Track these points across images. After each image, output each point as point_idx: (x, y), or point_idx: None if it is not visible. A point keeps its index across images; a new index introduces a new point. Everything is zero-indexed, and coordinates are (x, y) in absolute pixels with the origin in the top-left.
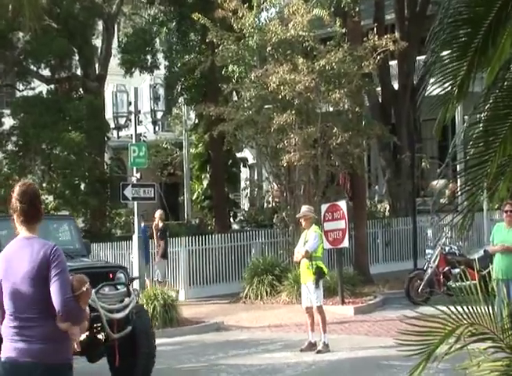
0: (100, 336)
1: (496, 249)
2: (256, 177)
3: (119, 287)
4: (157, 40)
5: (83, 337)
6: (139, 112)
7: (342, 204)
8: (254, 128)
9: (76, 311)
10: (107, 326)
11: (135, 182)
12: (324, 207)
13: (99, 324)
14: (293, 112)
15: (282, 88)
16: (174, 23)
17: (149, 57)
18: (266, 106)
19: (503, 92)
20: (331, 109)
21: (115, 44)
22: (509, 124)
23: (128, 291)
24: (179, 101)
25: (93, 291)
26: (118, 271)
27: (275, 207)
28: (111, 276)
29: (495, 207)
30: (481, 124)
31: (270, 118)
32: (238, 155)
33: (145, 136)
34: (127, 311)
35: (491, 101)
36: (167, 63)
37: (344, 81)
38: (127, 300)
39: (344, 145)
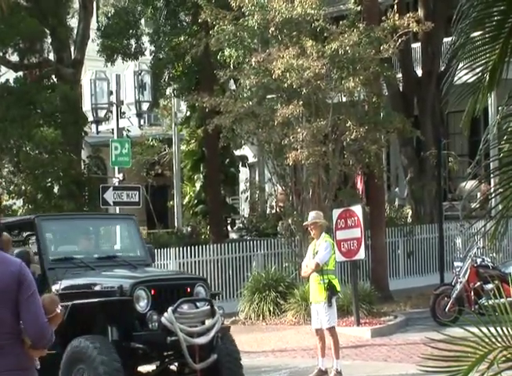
0: (174, 367)
1: None
2: (257, 178)
3: (198, 304)
4: (142, 21)
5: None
6: (122, 103)
7: (357, 210)
8: (254, 121)
9: (50, 336)
10: (188, 354)
11: (116, 184)
12: (336, 212)
13: (171, 352)
14: (301, 103)
15: (287, 75)
16: (161, 2)
17: (132, 42)
18: (269, 96)
19: None
20: (344, 99)
21: (94, 25)
22: None
23: (211, 309)
24: (168, 91)
25: (170, 309)
26: (197, 284)
27: (279, 212)
28: (189, 290)
29: None
30: None
31: (273, 110)
32: (236, 153)
33: (128, 131)
34: (211, 335)
35: None
36: (153, 48)
37: (360, 68)
38: (210, 321)
39: (359, 141)
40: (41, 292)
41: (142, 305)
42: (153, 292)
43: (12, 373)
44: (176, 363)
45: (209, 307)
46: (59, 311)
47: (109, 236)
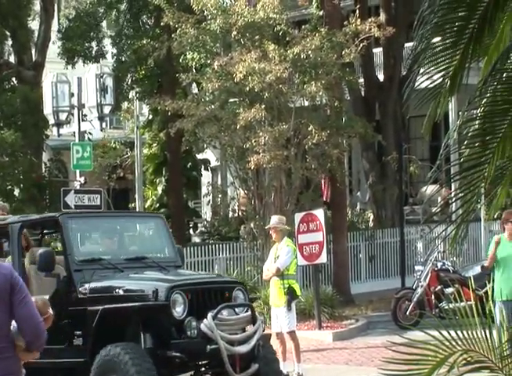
0: None
1: (490, 260)
2: (220, 182)
3: (237, 309)
4: (104, 23)
5: None
6: (83, 106)
7: (319, 214)
8: (217, 125)
9: (44, 337)
10: (229, 363)
11: (78, 187)
12: (298, 216)
13: (207, 361)
14: (263, 107)
15: (249, 78)
16: (124, 4)
17: (94, 44)
18: (231, 100)
19: (502, 84)
20: (306, 103)
21: (55, 27)
22: (508, 121)
23: (252, 315)
24: (130, 94)
25: (210, 315)
26: (236, 288)
27: (241, 216)
28: (227, 294)
29: (494, 216)
30: (477, 121)
31: (236, 114)
32: (199, 156)
33: (90, 134)
34: (252, 343)
35: (488, 95)
36: (115, 51)
37: (322, 72)
38: (251, 328)
39: (321, 145)
40: (66, 295)
41: (178, 310)
42: (189, 297)
43: None
44: (211, 372)
45: (249, 313)
46: (51, 312)
47: (137, 235)
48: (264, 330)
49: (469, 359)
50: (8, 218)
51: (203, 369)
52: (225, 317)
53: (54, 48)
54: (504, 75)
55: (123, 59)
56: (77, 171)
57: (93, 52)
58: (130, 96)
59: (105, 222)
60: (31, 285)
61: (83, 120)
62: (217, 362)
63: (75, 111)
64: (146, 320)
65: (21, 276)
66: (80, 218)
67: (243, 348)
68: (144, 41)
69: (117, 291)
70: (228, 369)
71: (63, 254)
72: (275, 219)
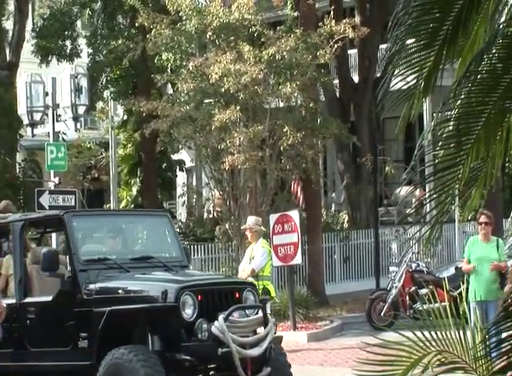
0: None
1: (469, 268)
2: (195, 182)
3: (247, 311)
4: (79, 23)
5: None
6: (58, 106)
7: (294, 215)
8: (192, 125)
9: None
10: (241, 367)
11: (52, 187)
12: (273, 217)
13: (215, 364)
14: (238, 108)
15: (225, 79)
16: (98, 4)
17: (68, 43)
18: (206, 101)
19: (476, 86)
20: (281, 104)
21: (29, 27)
22: (483, 123)
23: (264, 317)
24: (105, 94)
25: (221, 317)
26: (246, 289)
27: (216, 217)
28: (237, 295)
29: (468, 217)
30: (451, 123)
31: (211, 115)
32: (173, 157)
33: (64, 134)
34: (264, 346)
35: (462, 96)
36: (90, 51)
37: (297, 73)
38: (263, 330)
39: (296, 146)
40: (71, 296)
41: (188, 312)
42: (199, 298)
43: None
44: None
45: (261, 315)
46: (4, 305)
47: (143, 234)
48: (275, 333)
49: (443, 360)
50: (8, 216)
51: (212, 372)
52: (236, 319)
53: (28, 47)
54: (478, 77)
55: (98, 59)
56: (52, 172)
57: (67, 51)
58: (104, 96)
59: (110, 221)
60: (33, 285)
61: (57, 120)
62: (228, 365)
63: (49, 111)
64: (154, 322)
65: (23, 276)
66: (84, 216)
67: (254, 352)
68: (119, 41)
69: (124, 291)
70: (240, 373)
71: (68, 254)
72: (251, 220)
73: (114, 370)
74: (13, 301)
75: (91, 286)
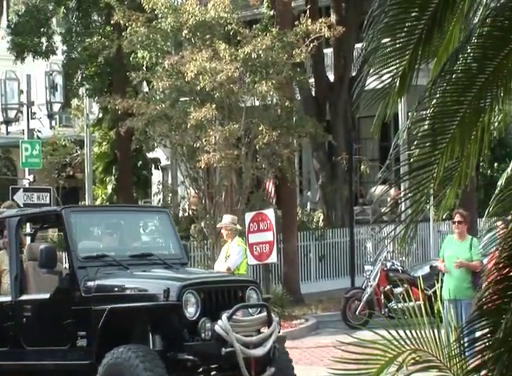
0: None
1: (441, 267)
2: (170, 181)
3: (251, 310)
4: (54, 20)
5: None
6: (33, 104)
7: (269, 213)
8: (167, 124)
9: None
10: (245, 367)
11: (27, 185)
12: (249, 216)
13: (217, 364)
14: (214, 106)
15: (200, 78)
16: (73, 1)
17: (43, 40)
18: (182, 99)
19: (451, 85)
20: (257, 103)
21: (4, 23)
22: (458, 122)
23: (268, 316)
24: (80, 91)
25: (225, 316)
26: (249, 287)
27: (192, 216)
28: (240, 294)
29: (442, 216)
30: (426, 122)
31: (186, 113)
32: (149, 155)
33: (39, 132)
34: (268, 346)
35: (437, 96)
36: (65, 48)
37: (273, 72)
38: (267, 330)
39: (271, 144)
40: (69, 293)
41: (190, 310)
42: (202, 296)
43: None
44: None
45: (265, 314)
46: None
47: (142, 231)
48: (280, 332)
49: (417, 358)
50: (3, 211)
51: (213, 373)
52: (239, 318)
53: (3, 45)
54: (453, 76)
55: (73, 56)
56: (26, 169)
57: (43, 48)
58: (80, 93)
59: (109, 217)
60: (29, 282)
61: (32, 118)
62: (231, 365)
63: (24, 109)
64: (155, 321)
65: (19, 272)
66: (83, 212)
67: (258, 351)
68: (94, 39)
69: (124, 289)
70: (244, 373)
71: (66, 251)
72: (227, 219)
73: (115, 370)
74: (8, 298)
75: (90, 283)
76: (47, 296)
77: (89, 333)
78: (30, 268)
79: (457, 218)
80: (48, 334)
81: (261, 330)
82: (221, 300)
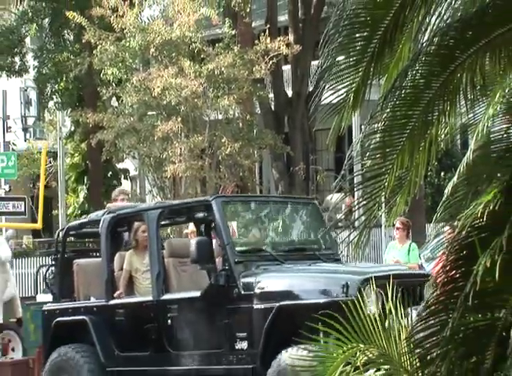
0: None
1: None
2: (138, 190)
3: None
4: (28, 40)
5: None
6: (8, 118)
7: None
8: (136, 136)
9: None
10: None
11: (3, 195)
12: None
13: None
14: (179, 119)
15: (166, 93)
16: (46, 20)
17: (17, 59)
18: (149, 113)
19: (401, 100)
20: (220, 116)
21: None
22: (407, 135)
23: None
24: (50, 104)
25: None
26: (427, 283)
27: None
28: (418, 290)
29: (393, 223)
30: (378, 135)
31: (154, 126)
32: (118, 166)
33: (14, 144)
34: None
35: (388, 110)
36: (36, 64)
37: (234, 87)
38: None
39: (233, 156)
40: (225, 291)
41: (371, 308)
42: (383, 292)
43: None
44: None
45: None
46: None
47: (293, 223)
48: None
49: (370, 355)
50: (138, 204)
51: None
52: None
53: None
54: (403, 92)
55: (43, 71)
56: (2, 180)
57: (16, 67)
58: (50, 106)
59: (261, 208)
60: (171, 280)
61: (7, 131)
62: None
63: (0, 122)
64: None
65: (161, 270)
66: (236, 202)
67: None
68: (65, 55)
69: (292, 285)
70: None
71: (220, 245)
72: (192, 226)
73: (283, 373)
74: (148, 298)
75: (250, 279)
76: (197, 294)
77: (251, 334)
78: (171, 265)
79: (397, 224)
80: (199, 336)
81: None
82: (400, 296)
